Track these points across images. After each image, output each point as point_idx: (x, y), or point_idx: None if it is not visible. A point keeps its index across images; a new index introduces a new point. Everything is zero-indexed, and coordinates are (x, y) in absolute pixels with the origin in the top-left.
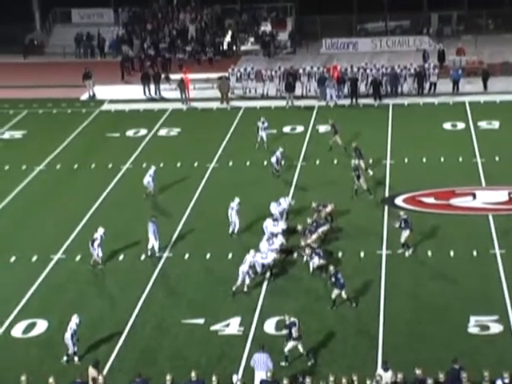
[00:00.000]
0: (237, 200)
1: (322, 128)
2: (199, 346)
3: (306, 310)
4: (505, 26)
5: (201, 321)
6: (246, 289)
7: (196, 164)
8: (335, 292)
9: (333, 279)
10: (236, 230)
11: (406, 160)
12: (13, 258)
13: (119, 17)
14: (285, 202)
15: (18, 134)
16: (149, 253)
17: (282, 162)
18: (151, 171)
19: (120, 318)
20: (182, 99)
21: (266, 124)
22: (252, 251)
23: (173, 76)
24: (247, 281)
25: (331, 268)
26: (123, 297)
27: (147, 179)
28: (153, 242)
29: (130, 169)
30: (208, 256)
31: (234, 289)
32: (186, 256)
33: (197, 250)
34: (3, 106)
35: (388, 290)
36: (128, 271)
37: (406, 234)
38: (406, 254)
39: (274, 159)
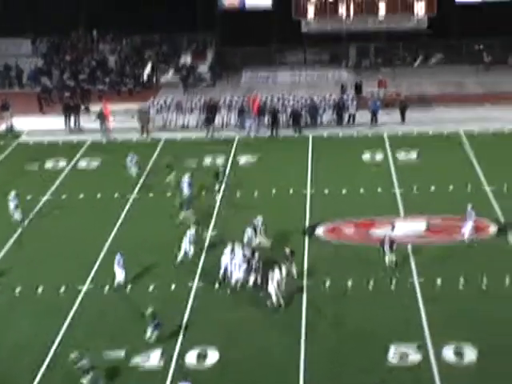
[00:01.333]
0: (193, 229)
1: (243, 159)
2: (119, 380)
3: (228, 340)
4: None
5: (121, 354)
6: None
7: (116, 195)
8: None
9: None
10: (190, 257)
11: (326, 191)
12: None
13: (38, 47)
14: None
15: None
16: (115, 285)
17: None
18: (11, 196)
19: (38, 352)
20: (101, 130)
21: (134, 159)
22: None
23: (92, 107)
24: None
25: (150, 309)
26: (41, 331)
27: (11, 207)
28: (119, 275)
29: (49, 200)
30: (128, 288)
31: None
32: (106, 288)
33: None
34: None
35: (310, 319)
36: (47, 304)
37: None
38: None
39: (185, 188)
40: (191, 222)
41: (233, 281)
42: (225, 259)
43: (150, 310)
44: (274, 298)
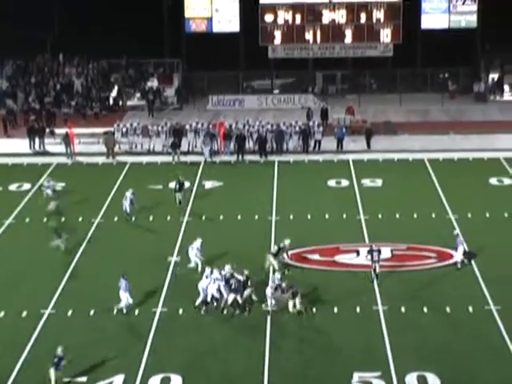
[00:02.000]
0: (199, 240)
1: (209, 184)
2: None
3: (191, 366)
4: (387, 86)
5: (83, 379)
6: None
7: (81, 219)
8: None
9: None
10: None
11: (291, 216)
12: None
13: (3, 70)
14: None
15: None
16: (124, 310)
17: (134, 206)
18: None
19: (0, 377)
20: (66, 154)
21: (50, 183)
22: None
23: (58, 130)
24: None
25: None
26: (4, 355)
27: None
28: (125, 300)
29: (12, 224)
30: (92, 312)
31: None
32: (70, 312)
33: (80, 307)
34: None
35: (273, 346)
36: (9, 328)
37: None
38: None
39: (126, 203)
40: (61, 249)
41: (212, 300)
42: (203, 283)
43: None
44: (269, 301)
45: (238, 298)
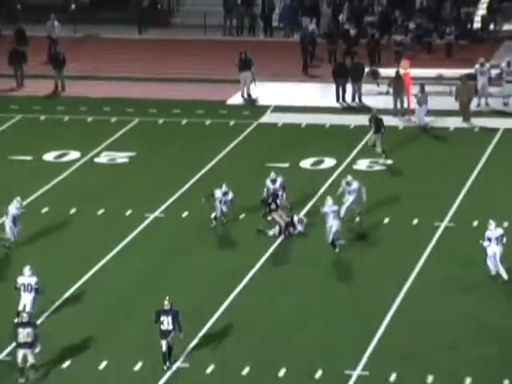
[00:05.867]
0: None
1: None
2: None
3: None
4: None
5: None
6: None
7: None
8: None
9: None
10: None
11: None
12: None
13: None
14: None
15: (121, 157)
16: None
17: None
18: None
19: None
20: (395, 109)
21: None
22: None
23: (384, 70)
24: None
25: None
26: None
27: None
28: None
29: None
30: None
31: None
32: None
33: None
34: (103, 109)
35: None
36: None
37: None
38: None
39: (223, 205)
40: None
41: None
42: None
43: None
44: None
45: None
